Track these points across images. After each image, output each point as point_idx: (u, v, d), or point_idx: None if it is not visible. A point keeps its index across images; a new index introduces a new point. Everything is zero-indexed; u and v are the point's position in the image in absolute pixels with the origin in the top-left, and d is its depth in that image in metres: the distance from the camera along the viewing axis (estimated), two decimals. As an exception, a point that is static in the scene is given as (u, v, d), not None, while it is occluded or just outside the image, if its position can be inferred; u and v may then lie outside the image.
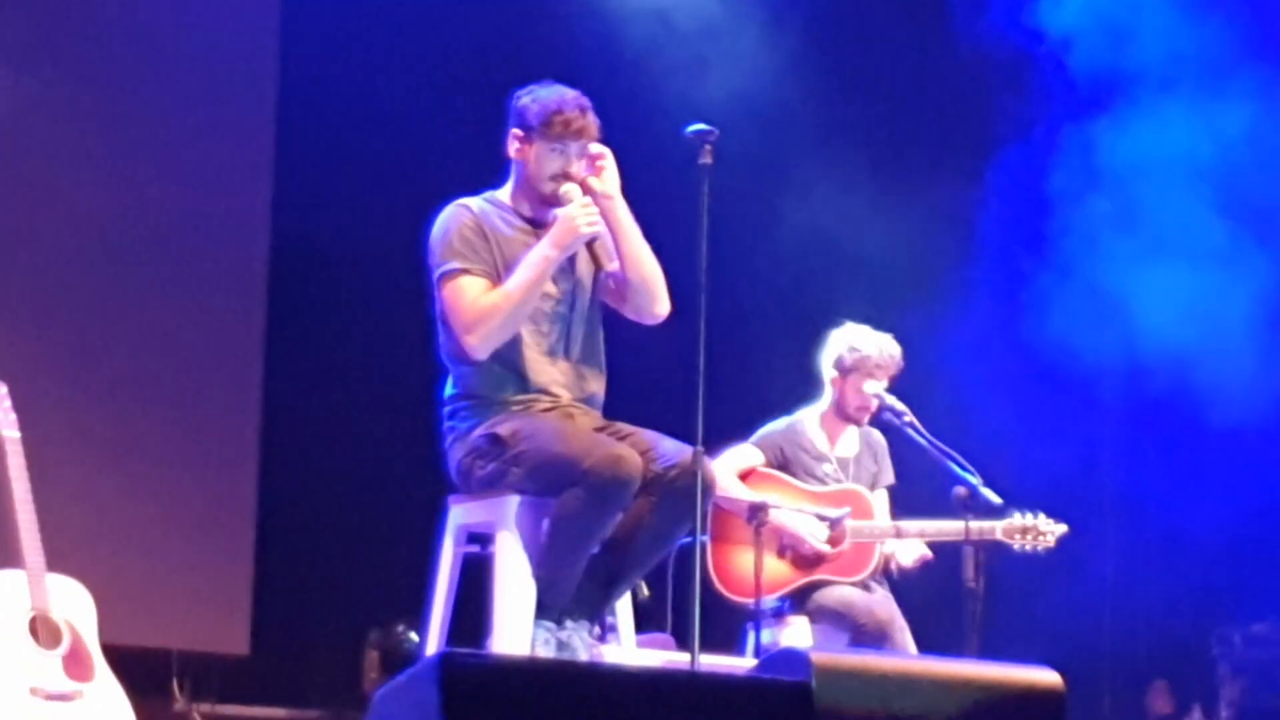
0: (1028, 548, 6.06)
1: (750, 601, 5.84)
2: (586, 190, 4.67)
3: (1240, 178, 7.46)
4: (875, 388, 6.08)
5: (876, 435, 6.27)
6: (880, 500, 6.22)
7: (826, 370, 6.20)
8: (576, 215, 4.61)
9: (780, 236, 7.97)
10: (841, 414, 6.17)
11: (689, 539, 4.70)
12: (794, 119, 8.02)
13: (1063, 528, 6.08)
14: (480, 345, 4.59)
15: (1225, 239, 7.51)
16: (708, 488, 4.56)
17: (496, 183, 4.84)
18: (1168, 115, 7.51)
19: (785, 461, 6.15)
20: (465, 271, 4.62)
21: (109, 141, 7.35)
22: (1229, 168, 7.46)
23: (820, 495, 6.10)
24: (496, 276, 4.64)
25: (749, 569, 5.81)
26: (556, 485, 4.49)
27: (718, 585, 6.03)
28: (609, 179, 4.70)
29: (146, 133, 7.43)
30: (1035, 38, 7.56)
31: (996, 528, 6.02)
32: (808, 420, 6.22)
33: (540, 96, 4.71)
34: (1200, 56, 7.48)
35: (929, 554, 6.07)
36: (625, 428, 4.66)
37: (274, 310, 7.69)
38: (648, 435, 4.60)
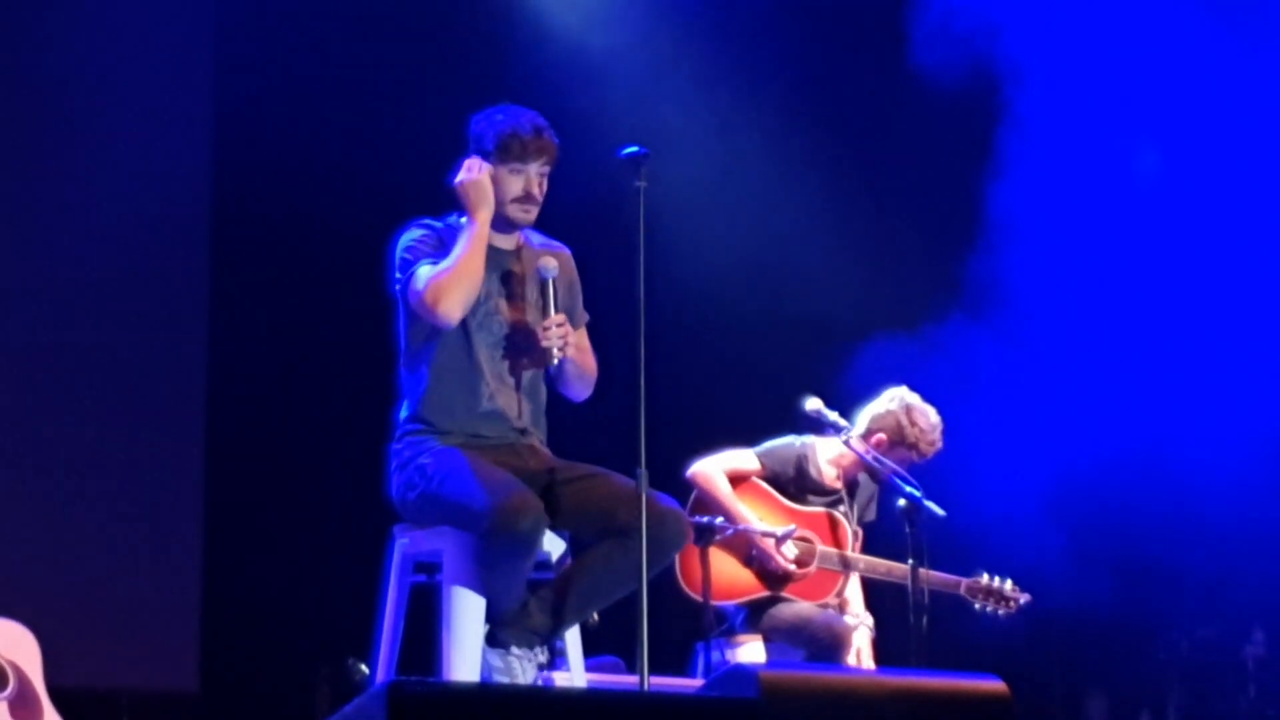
0: (988, 610, 6.11)
1: (708, 600, 5.85)
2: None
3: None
4: (815, 404, 6.11)
5: (868, 478, 6.31)
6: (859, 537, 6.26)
7: (868, 423, 6.19)
8: (464, 179, 4.63)
9: (725, 259, 8.00)
10: (866, 467, 6.18)
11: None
12: (741, 145, 8.05)
13: (1026, 596, 6.13)
14: (444, 308, 4.55)
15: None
16: (676, 538, 4.56)
17: (448, 206, 4.86)
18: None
19: (785, 482, 6.17)
20: (422, 264, 4.63)
21: (35, 185, 7.29)
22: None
23: (800, 514, 6.14)
24: None
25: (716, 569, 5.85)
26: (466, 529, 4.51)
27: (680, 580, 6.03)
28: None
29: (75, 168, 7.37)
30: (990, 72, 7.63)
31: (960, 584, 6.08)
32: (822, 453, 6.20)
33: (495, 120, 4.71)
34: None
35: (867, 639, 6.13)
36: (595, 473, 4.63)
37: (215, 345, 7.66)
38: (620, 483, 4.57)
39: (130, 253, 7.45)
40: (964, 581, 6.10)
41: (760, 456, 6.19)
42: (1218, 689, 7.80)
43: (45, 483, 7.18)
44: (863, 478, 6.25)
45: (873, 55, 8.05)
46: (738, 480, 6.13)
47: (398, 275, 4.70)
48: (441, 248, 4.66)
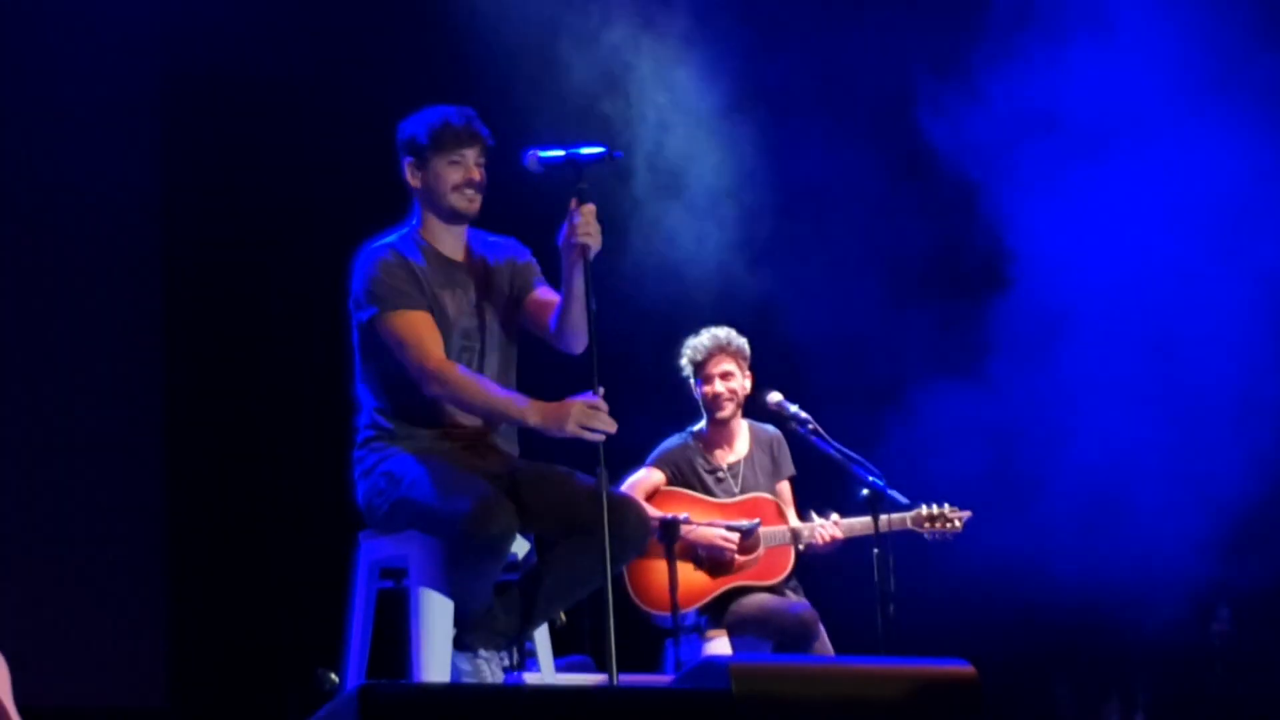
0: (937, 535, 6.17)
1: (669, 614, 5.88)
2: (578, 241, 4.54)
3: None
4: (776, 396, 6.13)
5: (769, 430, 6.32)
6: (784, 495, 6.28)
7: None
8: (575, 416, 4.47)
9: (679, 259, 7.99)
10: (708, 415, 6.23)
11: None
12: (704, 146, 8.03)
13: (967, 513, 6.20)
14: (438, 392, 4.57)
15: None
16: (639, 532, 4.55)
17: (399, 218, 4.84)
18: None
19: (684, 477, 6.20)
20: (408, 308, 4.60)
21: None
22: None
23: (729, 506, 6.17)
24: (429, 309, 4.63)
25: (667, 582, 5.84)
26: (436, 534, 4.51)
27: (636, 600, 6.06)
28: (594, 240, 4.55)
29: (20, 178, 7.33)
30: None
31: (906, 519, 6.13)
32: (697, 434, 6.28)
33: (425, 117, 4.72)
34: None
35: (839, 534, 6.13)
36: (556, 473, 4.63)
37: (173, 356, 7.63)
38: (582, 481, 4.57)
39: (86, 274, 7.43)
40: (908, 516, 6.15)
41: (657, 465, 6.22)
42: (1185, 668, 7.83)
43: (6, 502, 7.14)
44: (755, 438, 6.26)
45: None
46: (650, 496, 6.15)
47: (369, 303, 4.60)
48: (413, 283, 4.61)
